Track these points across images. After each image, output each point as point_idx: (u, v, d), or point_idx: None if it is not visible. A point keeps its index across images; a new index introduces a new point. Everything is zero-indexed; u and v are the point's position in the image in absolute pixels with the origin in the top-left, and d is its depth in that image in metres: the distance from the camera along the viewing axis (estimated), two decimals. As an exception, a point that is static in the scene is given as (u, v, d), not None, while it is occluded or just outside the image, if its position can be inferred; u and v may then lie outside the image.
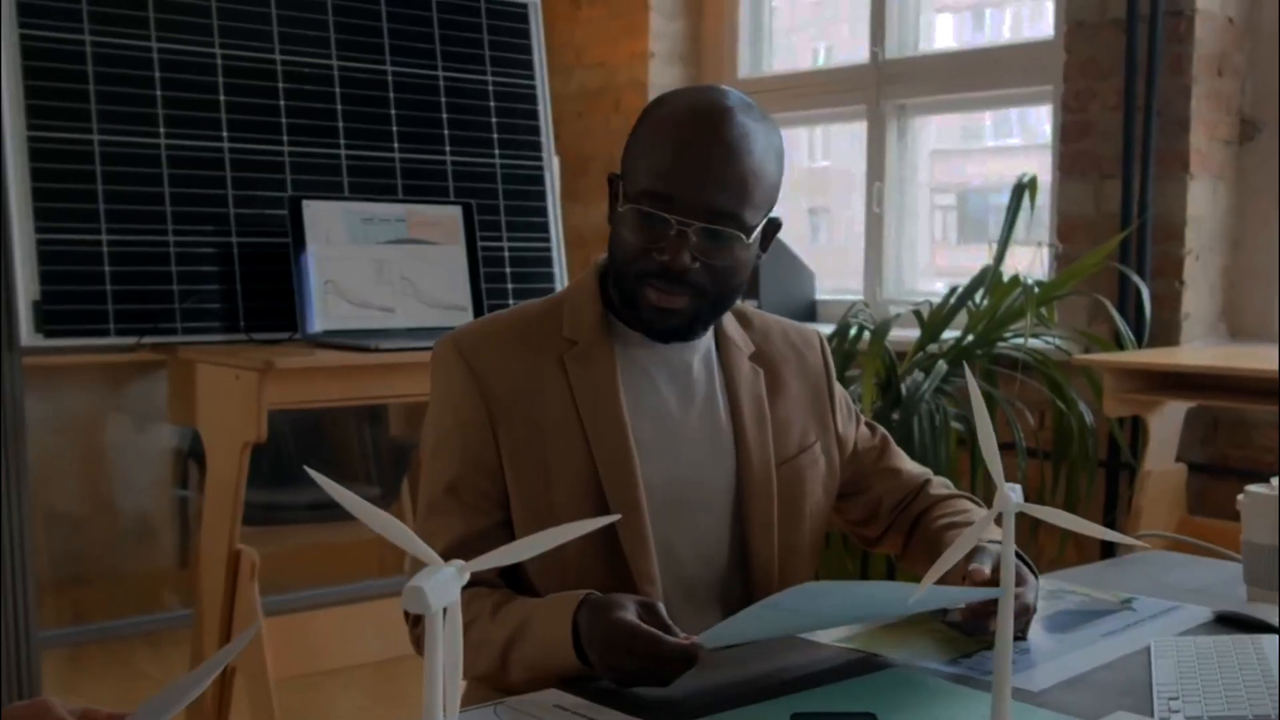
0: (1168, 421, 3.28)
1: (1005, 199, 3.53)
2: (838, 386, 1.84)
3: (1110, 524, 3.61)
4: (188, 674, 1.02)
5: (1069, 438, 3.39)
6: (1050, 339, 3.44)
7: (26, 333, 2.52)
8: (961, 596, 1.47)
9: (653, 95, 5.14)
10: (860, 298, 4.40)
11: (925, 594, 1.28)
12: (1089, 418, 3.35)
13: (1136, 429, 3.54)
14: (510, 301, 3.04)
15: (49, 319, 2.54)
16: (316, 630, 2.63)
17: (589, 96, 5.27)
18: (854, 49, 4.89)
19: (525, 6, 3.21)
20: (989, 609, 1.42)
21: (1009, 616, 1.32)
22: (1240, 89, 3.61)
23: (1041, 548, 3.60)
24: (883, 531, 1.86)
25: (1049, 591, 1.88)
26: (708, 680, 1.46)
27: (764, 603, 1.35)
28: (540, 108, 3.22)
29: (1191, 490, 3.42)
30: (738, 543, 1.70)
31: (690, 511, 1.67)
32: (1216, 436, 3.54)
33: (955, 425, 3.32)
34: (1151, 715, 1.39)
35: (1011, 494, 1.29)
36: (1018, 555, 1.52)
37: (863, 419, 1.89)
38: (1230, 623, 1.73)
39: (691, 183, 1.54)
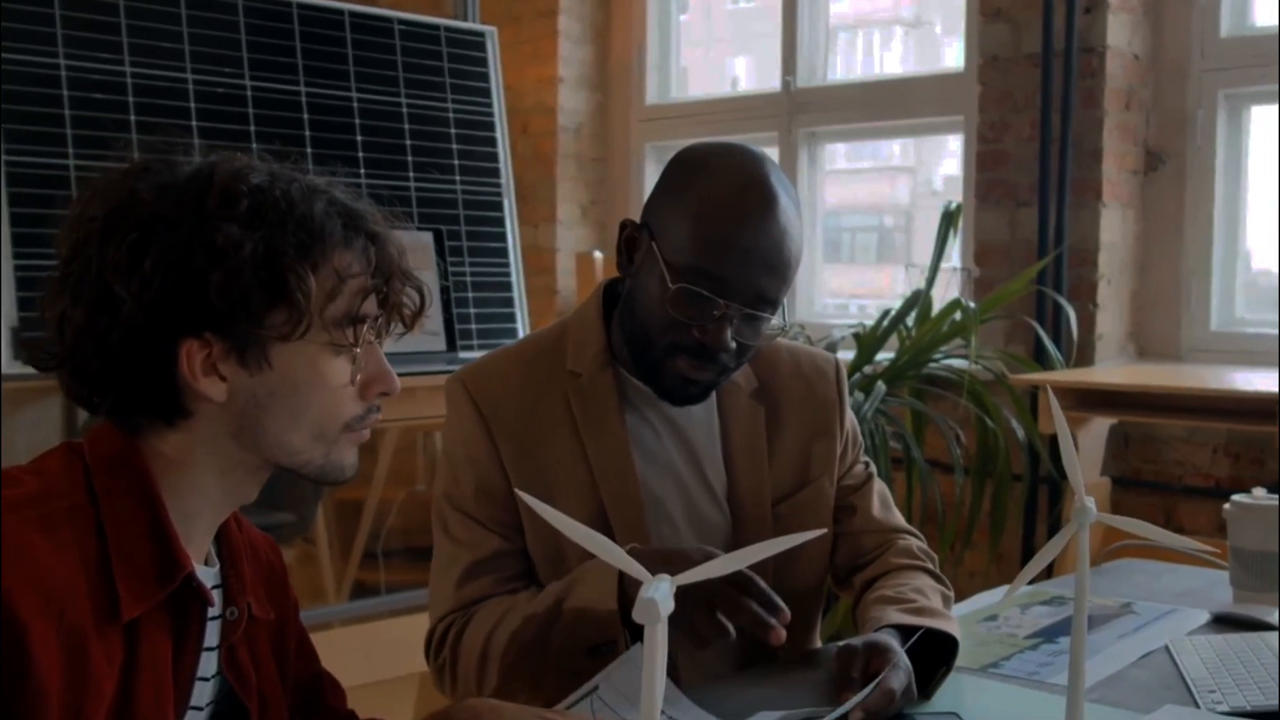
0: (1094, 437, 3.47)
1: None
2: (849, 416, 1.84)
3: (1030, 536, 3.78)
4: None
5: (994, 455, 3.54)
6: (981, 360, 3.59)
7: (6, 360, 2.49)
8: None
9: (561, 120, 5.23)
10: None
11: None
12: (1021, 434, 3.52)
13: (1053, 446, 3.72)
14: (473, 327, 3.08)
15: (28, 346, 2.52)
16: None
17: (497, 120, 5.31)
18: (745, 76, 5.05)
19: (483, 35, 3.26)
20: (872, 704, 1.40)
21: (1083, 626, 1.43)
22: (1145, 122, 3.83)
23: (970, 569, 3.76)
24: (841, 577, 1.82)
25: (1052, 597, 2.00)
26: (790, 683, 1.54)
27: None
28: (498, 134, 3.27)
29: (1110, 502, 3.61)
30: None
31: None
32: (1128, 452, 3.73)
33: (893, 445, 3.45)
34: (1198, 707, 1.51)
35: (1090, 506, 1.40)
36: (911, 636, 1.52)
37: (861, 455, 1.86)
38: (1228, 622, 1.88)
39: (744, 268, 1.54)
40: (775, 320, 1.61)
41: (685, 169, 1.62)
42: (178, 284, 1.17)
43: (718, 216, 1.55)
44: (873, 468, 1.86)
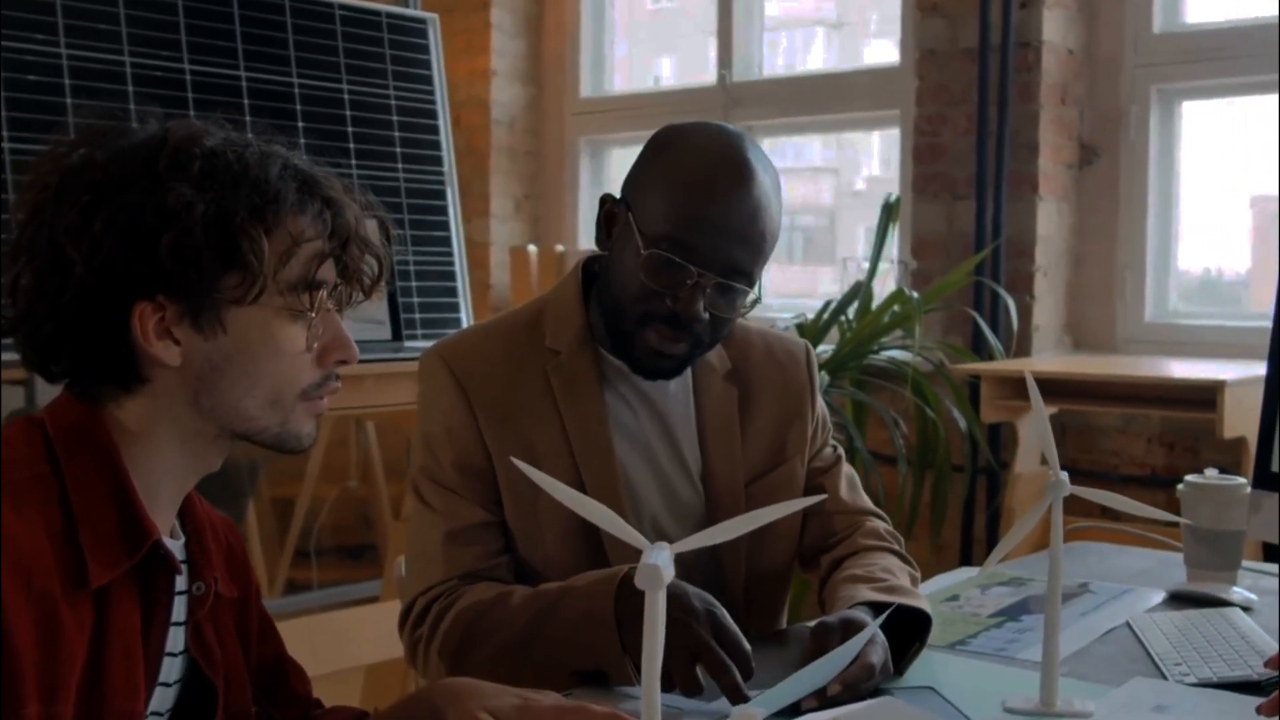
0: (1034, 427, 3.50)
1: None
2: (820, 401, 1.84)
3: (969, 527, 3.82)
4: None
5: (934, 445, 3.57)
6: (921, 351, 3.61)
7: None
8: (826, 671, 1.41)
9: (494, 113, 5.20)
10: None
11: (801, 682, 1.35)
12: (963, 424, 3.54)
13: (994, 436, 3.75)
14: (417, 316, 3.05)
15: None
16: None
17: (431, 114, 5.26)
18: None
19: (425, 22, 3.22)
20: (852, 676, 1.41)
21: (1057, 591, 1.44)
22: (1079, 116, 3.88)
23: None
24: (808, 559, 1.81)
25: (1010, 578, 2.02)
26: (762, 661, 1.53)
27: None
28: (440, 122, 3.23)
29: (1048, 491, 3.65)
30: (710, 563, 1.70)
31: (663, 530, 1.70)
32: (1065, 442, 3.78)
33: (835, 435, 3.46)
34: (1166, 679, 1.53)
35: (1064, 479, 1.41)
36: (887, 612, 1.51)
37: (830, 438, 1.87)
38: (1185, 600, 1.89)
39: (717, 237, 1.54)
40: (751, 294, 1.60)
41: (663, 143, 1.62)
42: (129, 245, 1.16)
43: (692, 186, 1.55)
44: (840, 451, 1.86)
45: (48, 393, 1.28)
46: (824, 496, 1.59)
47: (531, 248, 4.77)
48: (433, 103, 3.22)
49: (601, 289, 1.66)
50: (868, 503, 1.84)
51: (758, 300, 1.62)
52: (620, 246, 1.61)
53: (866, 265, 3.85)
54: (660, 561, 0.96)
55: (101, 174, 1.17)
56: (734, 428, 1.73)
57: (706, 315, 1.56)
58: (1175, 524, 1.88)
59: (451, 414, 1.64)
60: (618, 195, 1.65)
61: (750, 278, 1.58)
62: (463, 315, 3.18)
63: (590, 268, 1.71)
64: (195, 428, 1.23)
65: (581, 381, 1.65)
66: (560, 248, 4.76)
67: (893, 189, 4.04)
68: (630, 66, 5.45)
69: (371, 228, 1.34)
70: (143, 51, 2.74)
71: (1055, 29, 3.78)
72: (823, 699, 1.38)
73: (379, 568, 4.81)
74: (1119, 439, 3.69)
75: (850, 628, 1.46)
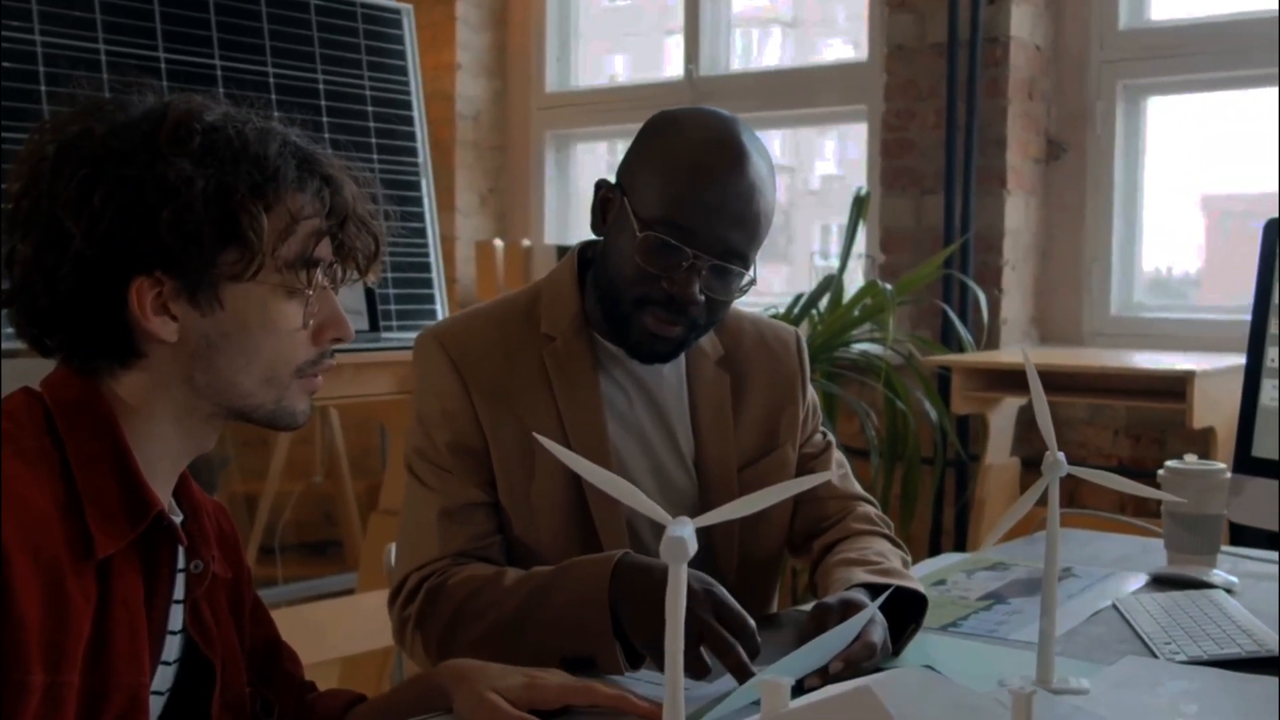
0: (1004, 418, 3.54)
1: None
2: (810, 388, 1.86)
3: (938, 518, 3.84)
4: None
5: (905, 436, 3.59)
6: (894, 344, 3.63)
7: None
8: (827, 650, 1.42)
9: (460, 107, 5.19)
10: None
11: (803, 659, 1.35)
12: (934, 416, 3.57)
13: (961, 428, 3.78)
14: (393, 308, 3.04)
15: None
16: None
17: (397, 108, 5.24)
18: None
19: (399, 12, 3.21)
20: (854, 655, 1.42)
21: (1054, 568, 1.45)
22: (1046, 112, 3.92)
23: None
24: (799, 544, 1.83)
25: (995, 563, 2.04)
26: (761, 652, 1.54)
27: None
28: (415, 113, 3.22)
29: (1020, 482, 3.69)
30: (703, 548, 1.70)
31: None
32: (1033, 434, 3.81)
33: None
34: (1157, 657, 1.55)
35: (1061, 459, 1.43)
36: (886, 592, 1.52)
37: (819, 425, 1.89)
38: (1166, 583, 1.92)
39: (713, 219, 1.55)
40: (746, 276, 1.61)
41: (658, 128, 1.64)
42: (128, 220, 1.16)
43: (688, 169, 1.56)
44: (830, 438, 1.87)
45: (10, 386, 1.27)
46: (830, 474, 1.60)
47: (497, 242, 4.76)
48: (407, 94, 3.21)
49: (597, 273, 1.67)
50: (858, 488, 1.85)
51: (753, 282, 1.63)
52: (616, 231, 1.62)
53: (832, 261, 3.88)
54: (684, 535, 0.96)
55: (101, 147, 1.17)
56: (726, 413, 1.75)
57: (702, 298, 1.58)
58: (1150, 511, 1.91)
59: (447, 396, 1.65)
60: (613, 180, 1.66)
61: (746, 260, 1.59)
62: (438, 306, 3.17)
63: (585, 254, 1.72)
64: (190, 405, 1.24)
65: (576, 366, 1.66)
66: (526, 242, 4.75)
67: (848, 187, 4.05)
68: (586, 64, 5.45)
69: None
70: (117, 39, 2.72)
71: (1023, 25, 3.81)
72: (825, 677, 1.39)
73: (342, 563, 4.79)
74: (1086, 430, 3.73)
75: (849, 608, 1.47)
